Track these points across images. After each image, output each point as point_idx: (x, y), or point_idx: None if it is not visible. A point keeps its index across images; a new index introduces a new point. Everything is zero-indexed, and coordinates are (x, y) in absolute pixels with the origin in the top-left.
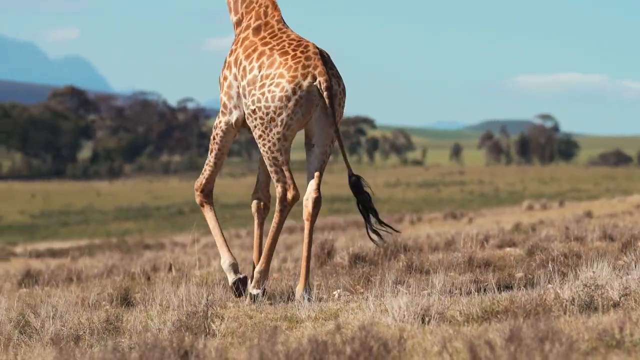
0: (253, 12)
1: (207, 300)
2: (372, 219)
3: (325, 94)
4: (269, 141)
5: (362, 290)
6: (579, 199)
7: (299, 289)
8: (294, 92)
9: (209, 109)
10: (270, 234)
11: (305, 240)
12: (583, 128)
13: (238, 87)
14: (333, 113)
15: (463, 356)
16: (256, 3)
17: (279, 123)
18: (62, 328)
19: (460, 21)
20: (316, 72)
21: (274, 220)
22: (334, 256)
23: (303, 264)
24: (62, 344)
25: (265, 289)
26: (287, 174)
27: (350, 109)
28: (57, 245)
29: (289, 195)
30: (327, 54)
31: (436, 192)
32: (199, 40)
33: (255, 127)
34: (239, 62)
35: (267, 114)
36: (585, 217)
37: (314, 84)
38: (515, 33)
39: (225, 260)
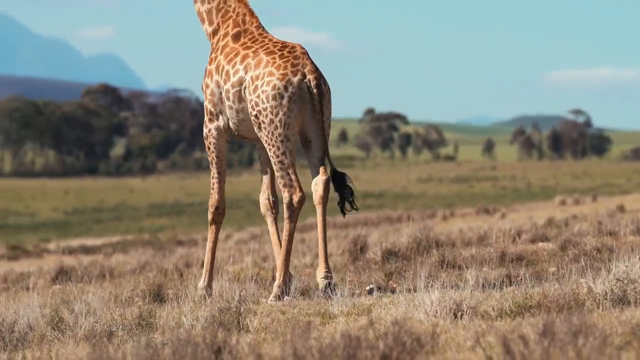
0: (230, 21)
1: (240, 296)
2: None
3: (315, 91)
4: (274, 145)
5: (394, 286)
6: (611, 193)
7: (319, 272)
8: (285, 88)
9: None
10: (284, 244)
11: (320, 225)
12: (615, 123)
13: (221, 93)
14: (321, 110)
15: (496, 351)
16: (233, 12)
17: (278, 124)
18: (96, 324)
19: (493, 17)
20: (305, 70)
21: (284, 229)
22: (367, 252)
23: (320, 247)
24: (95, 340)
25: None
26: (292, 176)
27: (383, 105)
28: (90, 241)
29: (295, 198)
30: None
31: (468, 188)
32: None
33: (261, 131)
34: (220, 67)
35: (267, 116)
36: (618, 212)
37: (304, 81)
38: (548, 29)
39: (202, 285)
